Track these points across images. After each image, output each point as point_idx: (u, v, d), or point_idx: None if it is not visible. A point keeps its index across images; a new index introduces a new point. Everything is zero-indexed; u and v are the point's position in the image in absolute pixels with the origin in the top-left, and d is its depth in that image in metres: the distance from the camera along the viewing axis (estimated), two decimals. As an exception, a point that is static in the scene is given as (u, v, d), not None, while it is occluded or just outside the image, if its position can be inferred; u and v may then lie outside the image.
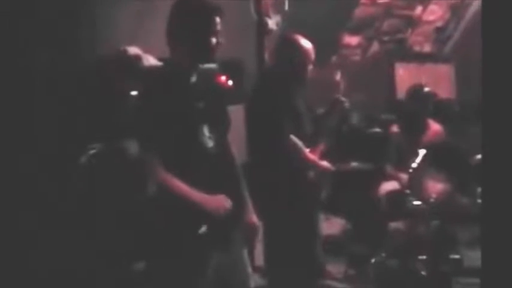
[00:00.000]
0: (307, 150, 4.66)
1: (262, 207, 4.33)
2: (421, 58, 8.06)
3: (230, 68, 4.46)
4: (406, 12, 7.75)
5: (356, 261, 5.90)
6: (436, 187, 5.53)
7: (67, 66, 4.21)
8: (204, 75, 3.40)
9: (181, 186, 3.19)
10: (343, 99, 4.96)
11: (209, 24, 3.30)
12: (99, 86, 4.16)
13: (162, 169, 3.19)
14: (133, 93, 4.04)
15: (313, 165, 4.70)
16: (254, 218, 3.53)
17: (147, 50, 4.05)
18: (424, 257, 5.33)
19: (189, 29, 3.28)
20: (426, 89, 6.20)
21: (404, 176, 5.93)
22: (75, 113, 4.18)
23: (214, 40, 3.31)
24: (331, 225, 6.02)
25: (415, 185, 5.53)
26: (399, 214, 5.61)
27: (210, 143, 3.33)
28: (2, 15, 4.00)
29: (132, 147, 4.19)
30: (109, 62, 4.18)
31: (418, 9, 7.78)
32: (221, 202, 3.26)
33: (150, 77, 3.44)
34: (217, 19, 3.32)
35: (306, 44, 4.72)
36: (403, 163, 6.01)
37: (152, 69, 3.82)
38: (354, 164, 6.17)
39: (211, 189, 3.24)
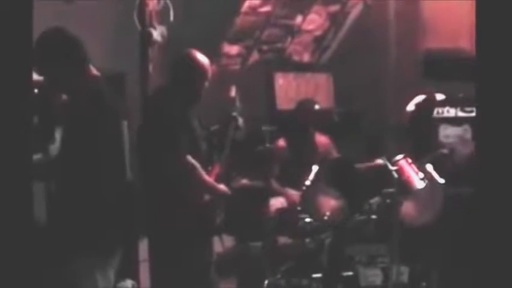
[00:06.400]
0: (204, 173, 4.45)
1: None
2: (300, 67, 8.00)
3: (112, 82, 4.14)
4: (286, 21, 7.68)
5: (249, 282, 5.71)
6: (329, 204, 5.45)
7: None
8: None
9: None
10: (237, 116, 4.79)
11: None
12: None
13: None
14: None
15: (211, 189, 4.51)
16: None
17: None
18: (319, 275, 5.24)
19: None
20: (317, 106, 6.11)
21: (292, 192, 5.85)
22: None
23: None
24: (223, 245, 5.81)
25: (307, 202, 5.44)
26: (291, 232, 5.49)
27: None
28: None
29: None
30: None
31: (298, 19, 7.72)
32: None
33: None
34: None
35: (204, 61, 4.52)
36: (290, 178, 5.93)
37: None
38: (244, 181, 5.98)
39: None
